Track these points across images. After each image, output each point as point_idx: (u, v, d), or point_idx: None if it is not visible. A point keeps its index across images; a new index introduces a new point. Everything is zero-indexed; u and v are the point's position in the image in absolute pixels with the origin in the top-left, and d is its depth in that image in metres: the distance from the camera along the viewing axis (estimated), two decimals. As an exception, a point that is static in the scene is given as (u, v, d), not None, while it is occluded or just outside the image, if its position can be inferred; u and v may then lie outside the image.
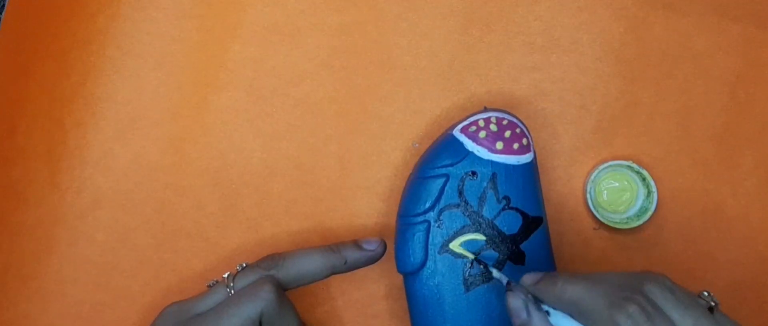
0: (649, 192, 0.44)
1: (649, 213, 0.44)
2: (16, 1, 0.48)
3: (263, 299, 0.36)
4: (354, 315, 0.45)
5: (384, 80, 0.46)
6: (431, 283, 0.40)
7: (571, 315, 0.33)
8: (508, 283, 0.36)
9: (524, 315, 0.34)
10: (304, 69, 0.47)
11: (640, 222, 0.44)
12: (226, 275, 0.39)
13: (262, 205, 0.46)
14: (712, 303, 0.32)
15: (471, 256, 0.39)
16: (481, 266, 0.39)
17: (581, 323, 0.33)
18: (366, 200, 0.46)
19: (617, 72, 0.46)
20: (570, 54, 0.46)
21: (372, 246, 0.41)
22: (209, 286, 0.39)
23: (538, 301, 0.35)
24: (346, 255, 0.40)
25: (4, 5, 0.48)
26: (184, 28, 0.47)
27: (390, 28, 0.47)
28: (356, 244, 0.41)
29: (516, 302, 0.35)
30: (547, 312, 0.34)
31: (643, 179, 0.44)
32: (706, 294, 0.33)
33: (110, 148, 0.46)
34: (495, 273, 0.38)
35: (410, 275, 0.40)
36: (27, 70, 0.47)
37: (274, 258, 0.39)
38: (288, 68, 0.47)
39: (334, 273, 0.40)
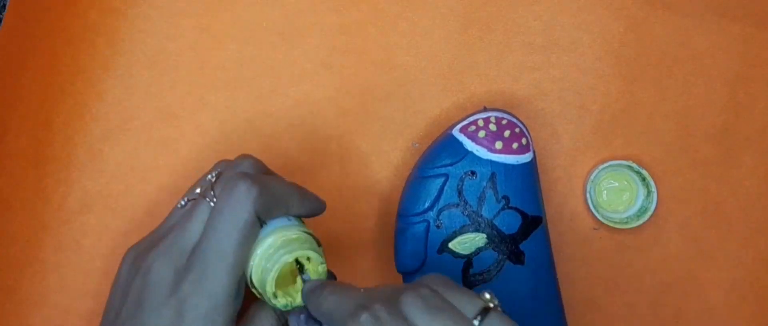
0: (648, 192, 0.44)
1: (649, 213, 0.44)
2: (16, 0, 0.48)
3: (247, 197, 0.33)
4: (353, 314, 0.45)
5: (384, 80, 0.46)
6: (430, 283, 0.39)
7: None
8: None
9: None
10: (304, 69, 0.47)
11: (640, 222, 0.44)
12: (197, 190, 0.36)
13: (262, 205, 0.46)
14: (491, 305, 0.30)
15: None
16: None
17: None
18: (366, 200, 0.46)
19: (617, 72, 0.46)
20: (570, 54, 0.46)
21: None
22: (181, 206, 0.36)
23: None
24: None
25: (5, 5, 0.48)
26: (181, 26, 0.47)
27: (390, 28, 0.47)
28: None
29: (292, 321, 0.34)
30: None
31: (643, 179, 0.44)
32: (487, 295, 0.30)
33: (99, 150, 0.45)
34: None
35: (410, 275, 0.40)
36: (20, 72, 0.46)
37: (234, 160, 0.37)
38: (287, 68, 0.47)
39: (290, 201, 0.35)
